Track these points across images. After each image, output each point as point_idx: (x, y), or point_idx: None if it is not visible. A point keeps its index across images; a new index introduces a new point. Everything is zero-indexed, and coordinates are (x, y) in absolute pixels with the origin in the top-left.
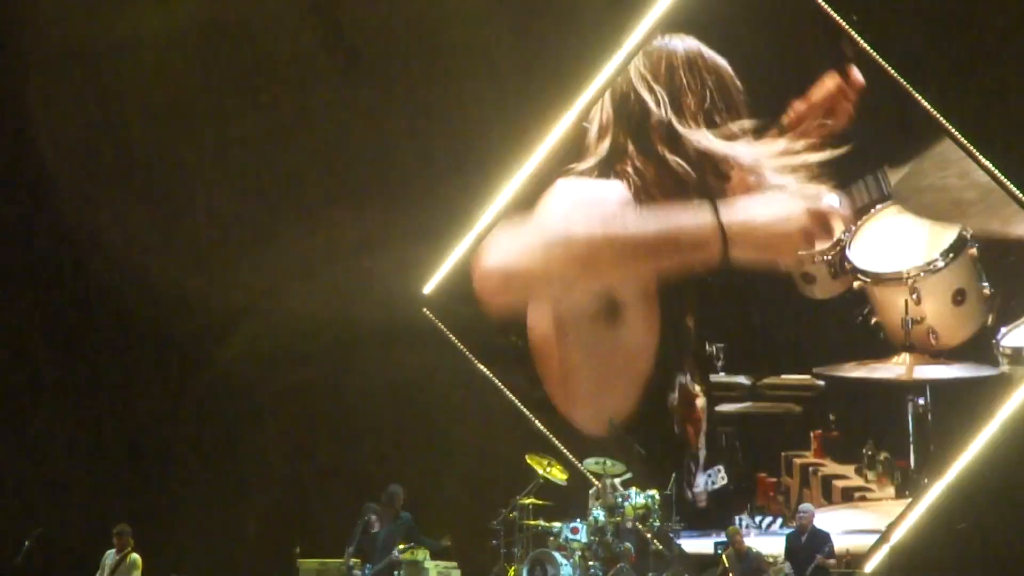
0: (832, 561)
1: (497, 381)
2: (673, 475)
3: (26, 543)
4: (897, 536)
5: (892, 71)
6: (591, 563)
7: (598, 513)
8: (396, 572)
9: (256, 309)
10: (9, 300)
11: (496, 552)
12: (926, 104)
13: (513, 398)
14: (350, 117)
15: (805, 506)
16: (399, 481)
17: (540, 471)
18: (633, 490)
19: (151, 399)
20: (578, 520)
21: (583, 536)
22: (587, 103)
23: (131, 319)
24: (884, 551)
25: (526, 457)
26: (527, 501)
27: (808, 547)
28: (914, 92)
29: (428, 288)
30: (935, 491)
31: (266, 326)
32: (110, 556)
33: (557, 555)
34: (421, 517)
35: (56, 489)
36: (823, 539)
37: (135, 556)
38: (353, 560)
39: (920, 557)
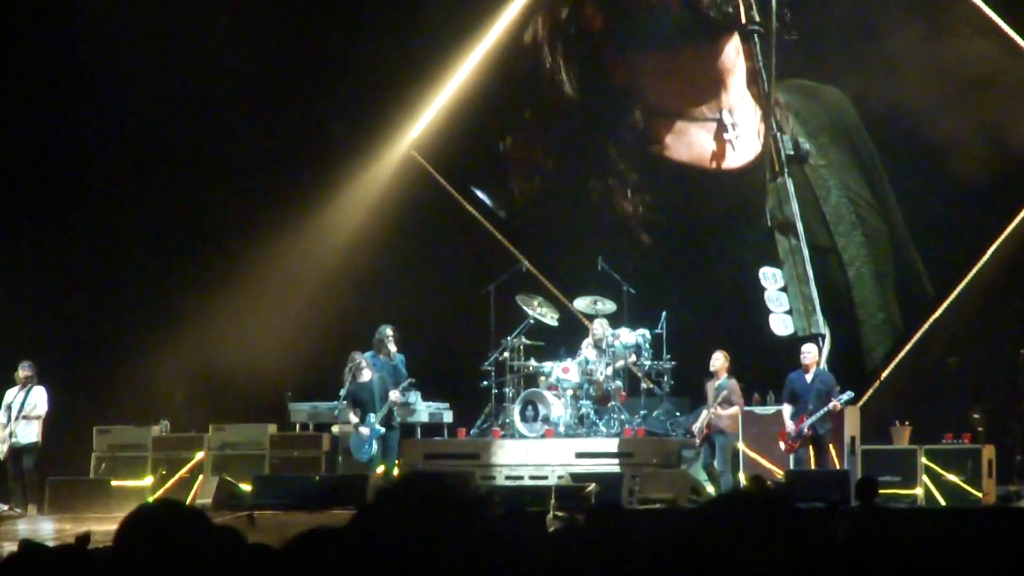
0: (839, 406)
1: (485, 221)
2: (663, 313)
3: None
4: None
5: None
6: (582, 402)
7: (589, 353)
8: (394, 412)
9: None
10: None
11: (487, 393)
12: None
13: (501, 237)
14: None
15: (808, 346)
16: (390, 323)
17: (530, 312)
18: (624, 328)
19: (138, 239)
20: (569, 360)
21: (574, 376)
22: None
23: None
24: (875, 386)
25: (516, 297)
26: (518, 342)
27: (815, 389)
28: None
29: (415, 132)
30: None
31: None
32: (11, 395)
33: (548, 395)
34: (412, 360)
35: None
36: (830, 381)
37: (39, 387)
38: (347, 410)
39: (909, 391)
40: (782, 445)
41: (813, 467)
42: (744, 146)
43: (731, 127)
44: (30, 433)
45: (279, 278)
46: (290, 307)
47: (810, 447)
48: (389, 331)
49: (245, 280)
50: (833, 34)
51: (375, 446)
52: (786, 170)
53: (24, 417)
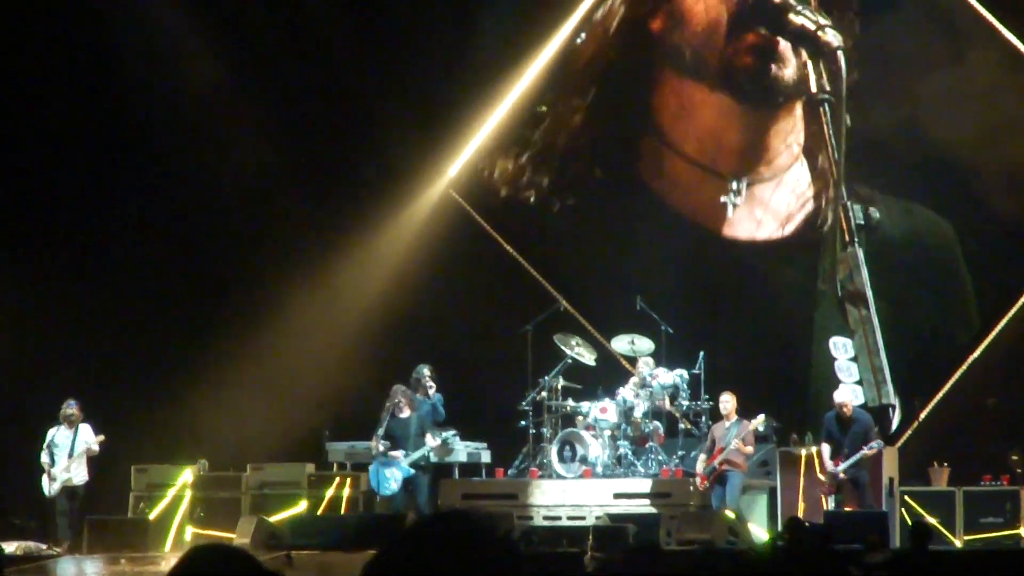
0: (871, 453)
1: (523, 260)
2: (701, 353)
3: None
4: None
5: None
6: (620, 442)
7: (626, 393)
8: (429, 454)
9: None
10: None
11: (525, 433)
12: None
13: (540, 277)
14: None
15: (843, 395)
16: (426, 364)
17: (568, 351)
18: (661, 369)
19: (179, 280)
20: (607, 400)
21: (612, 416)
22: None
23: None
24: (912, 428)
25: (554, 337)
26: (555, 382)
27: (852, 433)
28: None
29: (453, 170)
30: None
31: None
32: (60, 435)
33: (586, 435)
34: (449, 399)
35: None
36: (866, 425)
37: (86, 425)
38: (383, 443)
39: (948, 432)
40: (820, 482)
41: (853, 508)
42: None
43: (733, 193)
44: (82, 472)
45: (317, 317)
46: (328, 347)
47: (849, 488)
48: (426, 371)
49: (284, 320)
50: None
51: (398, 485)
52: (856, 239)
53: (77, 456)
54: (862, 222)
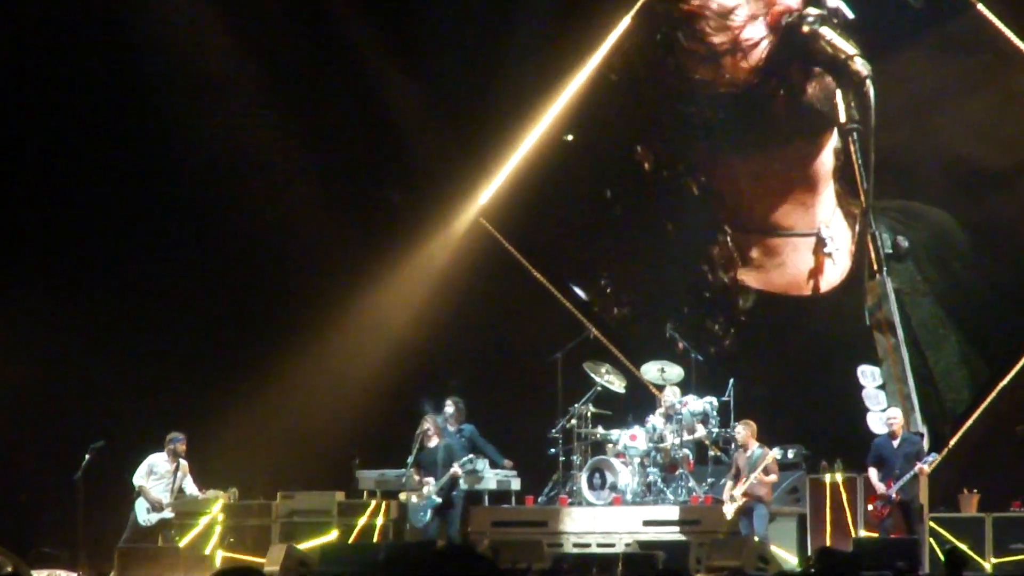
0: (928, 469)
1: (554, 289)
2: (731, 380)
3: (87, 456)
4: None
5: None
6: (649, 470)
7: (656, 420)
8: (458, 482)
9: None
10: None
11: (555, 460)
12: None
13: (570, 305)
14: None
15: (894, 411)
16: (459, 393)
17: (597, 379)
18: (691, 396)
19: (209, 309)
20: (636, 427)
21: (641, 443)
22: None
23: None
24: (942, 455)
25: (583, 365)
26: (585, 409)
27: (902, 454)
28: None
29: (484, 198)
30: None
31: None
32: (161, 463)
33: (615, 462)
34: (480, 428)
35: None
36: (917, 444)
37: (185, 462)
38: (411, 471)
39: (977, 458)
40: (871, 508)
41: (900, 534)
42: (841, 259)
43: (829, 240)
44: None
45: (347, 345)
46: (358, 374)
47: (898, 512)
48: (448, 405)
49: (313, 348)
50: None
51: (430, 514)
52: (885, 268)
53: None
54: (890, 251)
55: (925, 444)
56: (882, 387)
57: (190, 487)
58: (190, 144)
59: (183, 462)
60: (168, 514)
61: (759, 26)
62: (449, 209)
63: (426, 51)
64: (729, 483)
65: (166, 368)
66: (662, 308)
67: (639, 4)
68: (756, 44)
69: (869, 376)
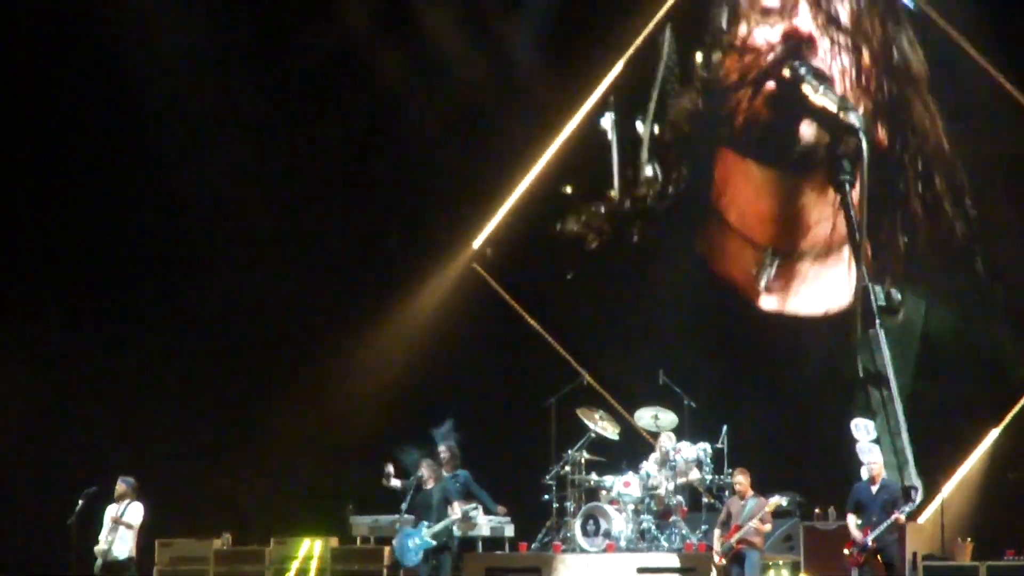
0: (903, 518)
1: (547, 335)
2: (724, 427)
3: (80, 501)
4: (948, 489)
5: None
6: (643, 516)
7: (650, 467)
8: (453, 528)
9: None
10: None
11: (549, 506)
12: None
13: (563, 351)
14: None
15: (874, 457)
16: (451, 437)
17: (591, 425)
18: (685, 443)
19: (204, 354)
20: (630, 474)
21: (635, 490)
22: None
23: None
24: (936, 503)
25: (577, 411)
26: (579, 455)
27: (880, 500)
28: None
29: (477, 243)
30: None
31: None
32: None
33: (609, 509)
34: (474, 473)
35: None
36: (895, 492)
37: (136, 503)
38: (406, 516)
39: (971, 506)
40: (847, 554)
41: None
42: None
43: (768, 264)
44: (124, 548)
45: (341, 391)
46: (352, 420)
47: (876, 559)
48: (443, 451)
49: (307, 394)
50: None
51: (420, 555)
52: (878, 321)
53: (114, 520)
54: (883, 303)
55: (919, 497)
56: (876, 440)
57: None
58: (189, 185)
59: (135, 503)
60: (104, 547)
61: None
62: (444, 254)
63: (421, 95)
64: (718, 532)
65: (159, 413)
66: (656, 353)
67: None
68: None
69: (863, 429)
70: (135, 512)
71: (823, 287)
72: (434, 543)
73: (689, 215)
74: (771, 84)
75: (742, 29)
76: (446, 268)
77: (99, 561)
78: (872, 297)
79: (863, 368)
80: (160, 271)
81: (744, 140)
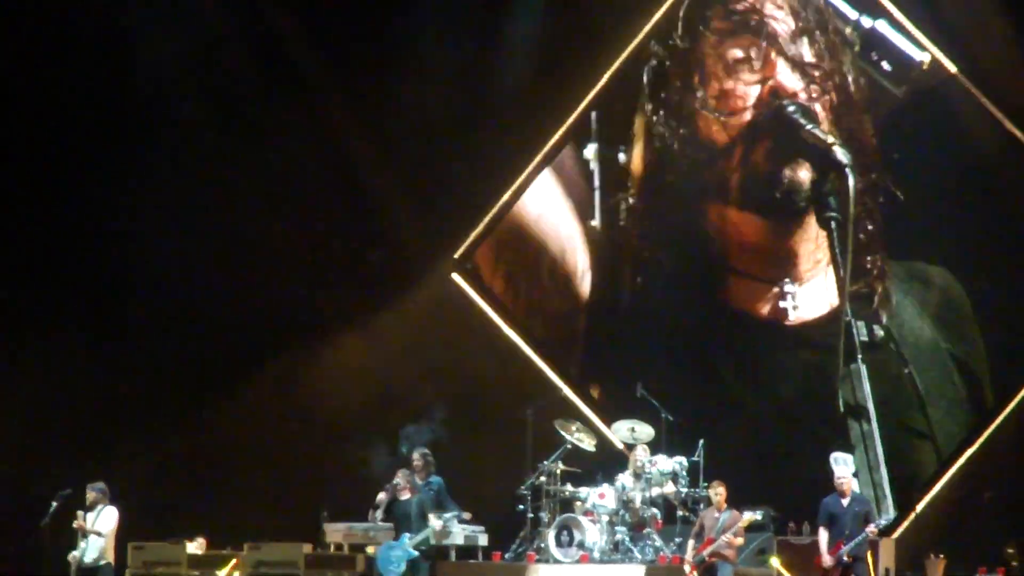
0: (876, 530)
1: (525, 346)
2: (701, 441)
3: (53, 504)
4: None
5: None
6: (618, 528)
7: (625, 479)
8: (439, 527)
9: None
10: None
11: (523, 517)
12: None
13: (542, 363)
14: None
15: (843, 471)
16: (429, 446)
17: (568, 437)
18: (661, 456)
19: (181, 360)
20: (605, 485)
21: (610, 502)
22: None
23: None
24: (910, 519)
25: (554, 422)
26: (555, 466)
27: (851, 513)
28: None
29: (458, 254)
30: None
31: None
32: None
33: (584, 520)
34: (449, 482)
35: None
36: (866, 505)
37: (110, 507)
38: (380, 524)
39: (944, 523)
40: (822, 572)
41: None
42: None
43: (790, 296)
44: (96, 553)
45: (319, 398)
46: (329, 427)
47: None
48: (416, 459)
49: (284, 400)
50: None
51: (403, 566)
52: (859, 356)
53: (79, 528)
54: (866, 339)
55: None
56: (855, 474)
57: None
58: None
59: (108, 508)
60: (78, 554)
61: (751, 94)
62: (424, 265)
63: (400, 107)
64: (691, 543)
65: (133, 415)
66: (634, 366)
67: (625, 54)
68: (743, 110)
69: (842, 463)
70: (107, 518)
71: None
72: (416, 553)
73: (693, 270)
74: (765, 133)
75: (712, 87)
76: (427, 277)
77: (73, 567)
78: (854, 332)
79: (844, 402)
80: (131, 277)
81: (742, 194)
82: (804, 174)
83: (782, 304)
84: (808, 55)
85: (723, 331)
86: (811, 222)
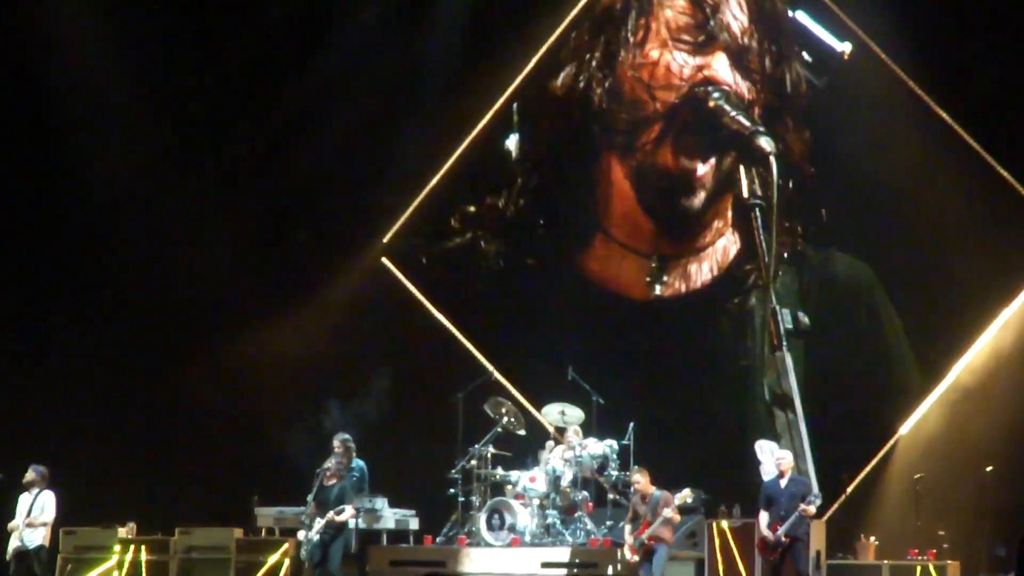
0: (812, 510)
1: (454, 329)
2: (631, 424)
3: None
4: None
5: None
6: (549, 512)
7: (556, 462)
8: (352, 521)
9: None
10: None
11: (454, 501)
12: None
13: (471, 346)
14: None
15: (783, 452)
16: (361, 428)
17: (498, 420)
18: (591, 439)
19: (110, 338)
20: (536, 469)
21: (541, 485)
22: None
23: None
24: (840, 502)
25: (484, 405)
26: (485, 450)
27: (788, 493)
28: None
29: (387, 237)
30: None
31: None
32: (22, 499)
33: (515, 504)
34: (380, 466)
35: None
36: (804, 485)
37: (48, 492)
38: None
39: (875, 506)
40: (759, 553)
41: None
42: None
43: (656, 272)
44: (36, 538)
45: (249, 381)
46: (260, 411)
47: (788, 559)
48: (337, 446)
49: (216, 384)
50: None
51: (316, 554)
52: (784, 344)
53: (29, 524)
54: (791, 327)
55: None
56: None
57: (38, 509)
58: (101, 177)
59: (46, 492)
60: (17, 541)
61: (683, 73)
62: (353, 248)
63: (335, 87)
64: (628, 527)
65: (64, 399)
66: (564, 346)
67: (554, 37)
68: (670, 87)
69: (767, 451)
70: (48, 506)
71: (712, 277)
72: (318, 539)
73: (573, 231)
74: (688, 114)
75: (653, 52)
76: (356, 261)
77: (10, 550)
78: (780, 320)
79: (769, 391)
80: (70, 260)
81: (642, 167)
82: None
83: (647, 278)
84: (751, 59)
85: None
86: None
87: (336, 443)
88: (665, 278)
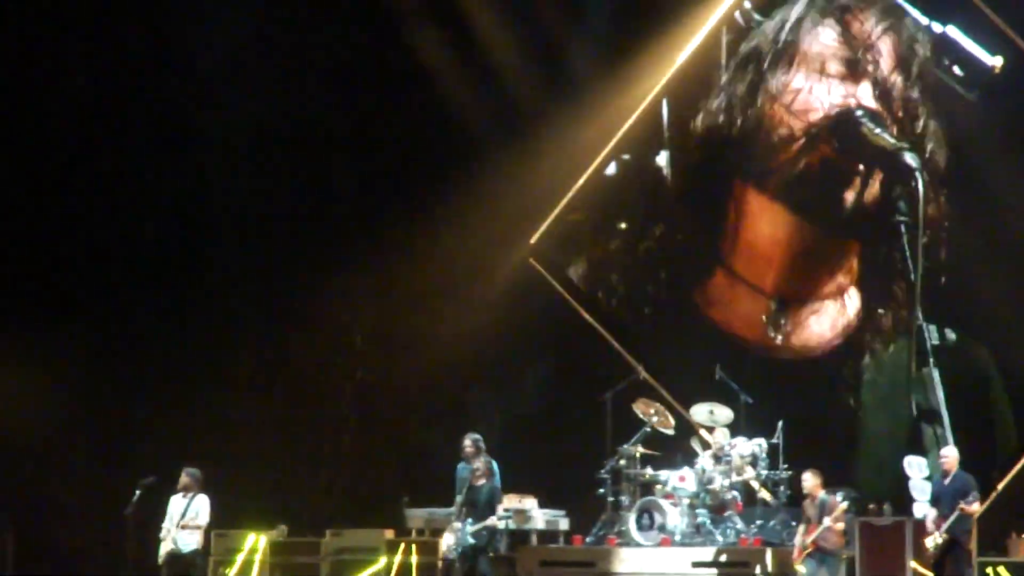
0: (975, 507)
1: (602, 329)
2: (780, 423)
3: (137, 492)
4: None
5: None
6: (698, 511)
7: (705, 462)
8: (502, 526)
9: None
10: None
11: (604, 500)
12: None
13: (619, 347)
14: None
15: (948, 448)
16: (507, 429)
17: (647, 420)
18: (740, 438)
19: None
20: (685, 468)
21: (691, 484)
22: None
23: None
24: (991, 499)
25: (633, 406)
26: (634, 450)
27: (951, 491)
28: None
29: (534, 239)
30: None
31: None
32: (174, 501)
33: (664, 503)
34: (529, 467)
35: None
36: (965, 482)
37: (202, 496)
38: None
39: None
40: (926, 551)
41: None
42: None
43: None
44: (191, 541)
45: (398, 385)
46: (409, 413)
47: (947, 552)
48: (468, 445)
49: (364, 387)
50: None
51: (469, 555)
52: (932, 360)
53: (183, 527)
54: (937, 343)
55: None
56: (928, 478)
57: (192, 512)
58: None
59: (200, 496)
60: (171, 545)
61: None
62: (501, 249)
63: (477, 87)
64: (801, 528)
65: (214, 407)
66: (712, 348)
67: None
68: (800, 126)
69: (916, 467)
70: (203, 509)
71: (823, 327)
72: (474, 542)
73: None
74: (830, 134)
75: (797, 82)
76: (504, 261)
77: (163, 553)
78: (927, 336)
79: (916, 406)
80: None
81: (780, 186)
82: (851, 196)
83: (763, 317)
84: (897, 91)
85: None
86: (848, 247)
87: (467, 443)
88: (783, 321)
